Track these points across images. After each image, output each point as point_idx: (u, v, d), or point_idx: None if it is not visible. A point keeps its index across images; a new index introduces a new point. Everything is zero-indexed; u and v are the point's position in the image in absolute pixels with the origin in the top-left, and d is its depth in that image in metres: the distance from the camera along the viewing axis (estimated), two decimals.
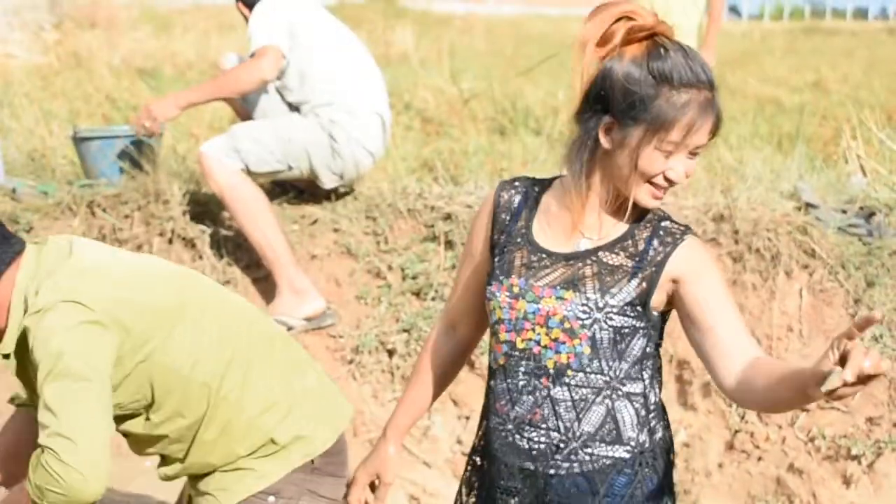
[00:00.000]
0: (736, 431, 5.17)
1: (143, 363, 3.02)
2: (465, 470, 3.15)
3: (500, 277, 2.89)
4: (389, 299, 5.73)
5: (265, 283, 5.73)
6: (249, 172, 5.57)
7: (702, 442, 5.23)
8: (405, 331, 5.62)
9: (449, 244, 5.86)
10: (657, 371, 2.92)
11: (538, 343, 2.85)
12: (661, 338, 2.90)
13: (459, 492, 3.16)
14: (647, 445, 2.88)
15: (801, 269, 5.61)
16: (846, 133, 7.31)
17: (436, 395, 3.21)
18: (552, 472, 2.85)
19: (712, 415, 5.25)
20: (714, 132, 2.72)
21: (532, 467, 2.87)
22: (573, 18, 23.94)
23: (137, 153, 6.04)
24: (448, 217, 5.91)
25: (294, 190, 6.11)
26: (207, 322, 3.12)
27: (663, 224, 2.83)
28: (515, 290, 2.86)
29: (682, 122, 2.67)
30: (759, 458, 5.09)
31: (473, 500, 3.10)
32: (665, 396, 2.96)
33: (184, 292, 3.15)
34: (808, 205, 5.93)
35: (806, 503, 4.85)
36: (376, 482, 3.18)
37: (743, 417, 5.23)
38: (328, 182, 5.84)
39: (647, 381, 2.87)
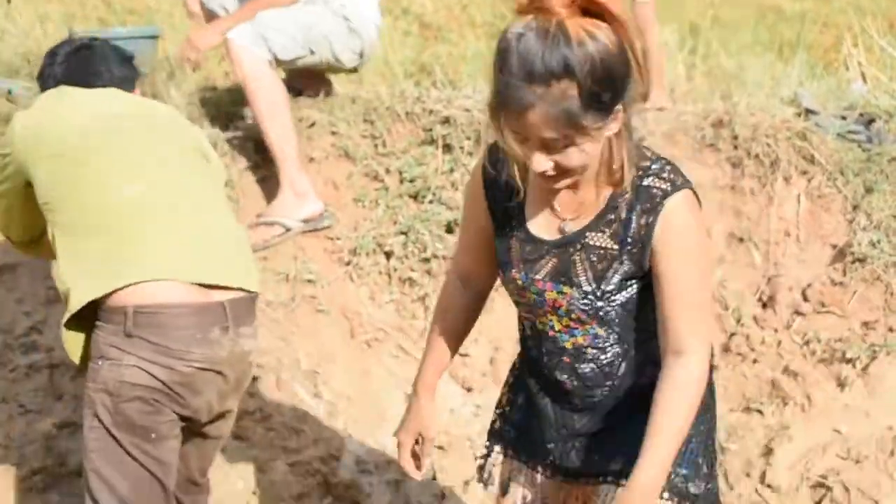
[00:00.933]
0: (732, 334, 5.19)
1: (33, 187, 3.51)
2: (512, 371, 3.25)
3: (504, 266, 2.89)
4: (387, 202, 5.72)
5: (263, 185, 5.71)
6: (277, 62, 5.58)
7: None
8: (403, 233, 5.61)
9: (447, 147, 5.83)
10: None
11: (553, 328, 2.87)
12: None
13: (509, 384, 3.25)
14: None
15: (800, 175, 5.60)
16: (847, 40, 7.27)
17: (457, 347, 3.21)
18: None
19: None
20: (571, 130, 2.50)
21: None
22: None
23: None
24: (446, 121, 5.87)
25: (293, 91, 6.07)
26: (73, 175, 3.42)
27: (645, 183, 2.69)
28: (520, 283, 2.86)
29: (508, 112, 2.51)
30: (755, 361, 5.11)
31: (521, 398, 3.17)
32: None
33: (90, 148, 3.46)
34: (808, 111, 5.90)
35: (800, 405, 4.87)
36: (420, 440, 3.19)
37: (739, 321, 5.25)
38: (349, 62, 5.85)
39: None
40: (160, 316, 3.28)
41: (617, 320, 2.80)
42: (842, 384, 4.90)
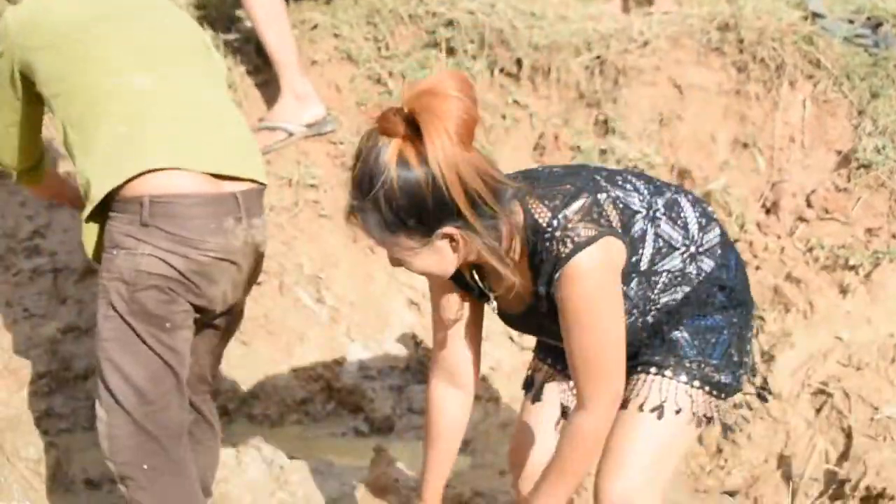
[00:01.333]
0: (735, 241, 5.17)
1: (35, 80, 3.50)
2: None
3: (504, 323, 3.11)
4: (390, 106, 5.68)
5: (264, 89, 5.69)
6: None
7: None
8: None
9: (450, 51, 5.80)
10: (661, 253, 2.93)
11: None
12: (637, 267, 2.88)
13: None
14: (702, 276, 2.98)
15: (806, 80, 5.56)
16: None
17: (457, 448, 3.22)
18: None
19: None
20: (383, 244, 2.67)
21: None
22: None
23: None
24: (450, 23, 5.83)
25: None
26: (80, 66, 3.38)
27: (543, 258, 2.75)
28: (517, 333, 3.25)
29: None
30: (758, 268, 5.11)
31: None
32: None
33: (94, 37, 3.42)
34: (815, 14, 5.84)
35: (803, 312, 4.88)
36: None
37: (742, 227, 5.24)
38: None
39: (668, 275, 2.93)
40: (175, 206, 3.29)
41: None
42: (844, 291, 4.90)
